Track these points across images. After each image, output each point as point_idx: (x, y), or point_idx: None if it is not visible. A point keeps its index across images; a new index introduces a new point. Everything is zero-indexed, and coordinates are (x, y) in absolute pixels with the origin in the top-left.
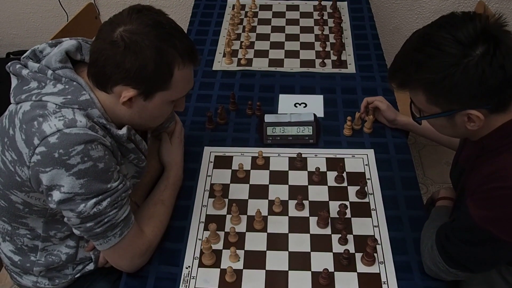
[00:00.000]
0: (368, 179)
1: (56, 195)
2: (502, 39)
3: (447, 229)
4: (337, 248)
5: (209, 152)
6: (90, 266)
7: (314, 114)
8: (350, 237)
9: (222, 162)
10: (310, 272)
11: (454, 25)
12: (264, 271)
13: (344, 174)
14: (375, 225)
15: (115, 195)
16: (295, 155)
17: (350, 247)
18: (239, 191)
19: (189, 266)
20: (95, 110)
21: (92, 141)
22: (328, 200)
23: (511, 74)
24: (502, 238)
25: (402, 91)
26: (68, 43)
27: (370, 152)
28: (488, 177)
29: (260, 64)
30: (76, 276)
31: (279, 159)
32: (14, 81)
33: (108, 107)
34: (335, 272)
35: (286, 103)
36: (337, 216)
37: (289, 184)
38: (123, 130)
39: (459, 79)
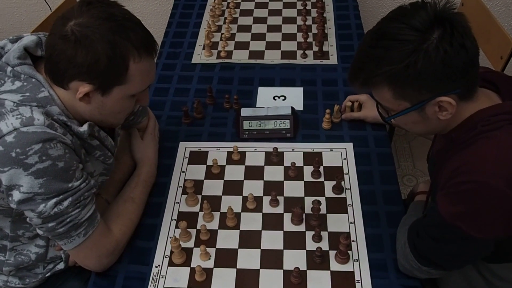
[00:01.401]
0: (346, 173)
1: (16, 195)
2: (456, 19)
3: (418, 226)
4: (311, 245)
5: (185, 147)
6: (61, 265)
7: (292, 107)
8: (324, 234)
9: (197, 158)
10: (282, 270)
11: (405, 15)
12: (235, 269)
13: (321, 169)
14: (350, 222)
15: (77, 194)
16: (271, 150)
17: (324, 244)
18: (213, 187)
19: (159, 265)
20: (55, 107)
21: (51, 140)
22: (303, 196)
23: (473, 53)
24: (472, 234)
25: (366, 90)
26: (28, 38)
27: (349, 146)
28: (454, 172)
29: (240, 57)
30: (47, 275)
31: (255, 153)
32: None
33: (68, 104)
34: (307, 271)
35: (265, 96)
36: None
37: (265, 179)
38: (84, 127)
39: (422, 65)
